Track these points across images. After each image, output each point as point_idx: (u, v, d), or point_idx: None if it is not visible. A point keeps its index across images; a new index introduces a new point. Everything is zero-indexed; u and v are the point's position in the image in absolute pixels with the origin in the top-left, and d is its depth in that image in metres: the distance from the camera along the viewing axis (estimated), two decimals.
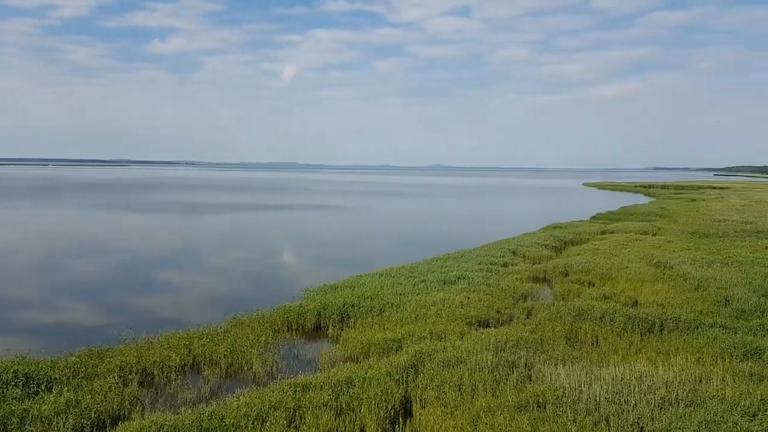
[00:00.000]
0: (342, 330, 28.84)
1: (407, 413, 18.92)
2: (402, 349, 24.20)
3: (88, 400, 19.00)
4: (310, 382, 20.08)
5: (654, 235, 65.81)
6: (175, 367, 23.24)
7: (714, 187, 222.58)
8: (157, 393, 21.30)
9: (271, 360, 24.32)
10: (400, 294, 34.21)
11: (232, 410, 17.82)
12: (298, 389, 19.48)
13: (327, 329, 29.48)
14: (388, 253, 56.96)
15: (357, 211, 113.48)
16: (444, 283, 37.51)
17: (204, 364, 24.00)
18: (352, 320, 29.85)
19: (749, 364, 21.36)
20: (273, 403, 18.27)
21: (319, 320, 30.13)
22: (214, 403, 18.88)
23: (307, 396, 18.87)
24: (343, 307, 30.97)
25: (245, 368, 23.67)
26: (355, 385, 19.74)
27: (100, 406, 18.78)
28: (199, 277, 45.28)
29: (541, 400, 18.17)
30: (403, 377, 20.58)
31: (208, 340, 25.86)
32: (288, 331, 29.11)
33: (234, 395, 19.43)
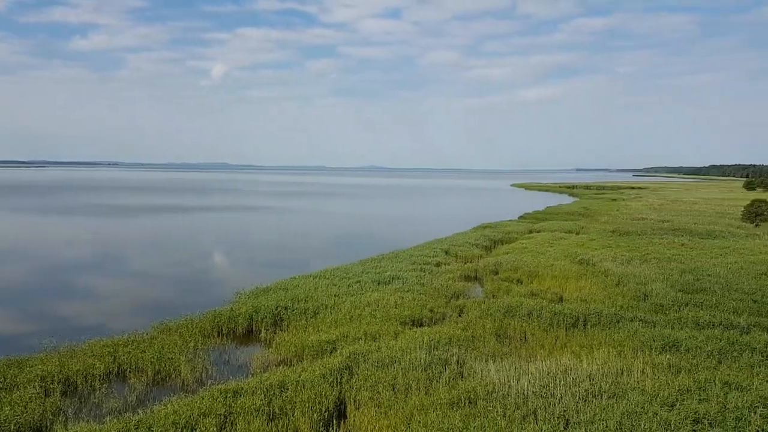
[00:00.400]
0: (275, 333, 28.46)
1: (341, 415, 18.87)
2: (336, 350, 24.16)
3: (7, 412, 18.00)
4: (242, 388, 19.70)
5: (577, 233, 68.46)
6: (100, 375, 22.37)
7: (633, 188, 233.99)
8: (80, 403, 20.44)
9: (200, 366, 23.70)
10: (335, 295, 34.10)
11: (159, 418, 17.25)
12: (228, 395, 19.07)
13: (259, 333, 29.01)
14: (322, 255, 56.66)
15: (290, 213, 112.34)
16: (378, 284, 37.67)
17: (130, 371, 23.15)
18: (286, 323, 29.51)
19: (667, 356, 22.52)
20: (203, 410, 17.80)
21: (251, 324, 29.61)
22: (141, 412, 18.28)
23: (239, 402, 18.50)
24: (276, 309, 30.57)
25: (173, 375, 22.98)
26: (288, 389, 19.51)
27: (20, 418, 17.85)
28: (124, 282, 43.57)
29: (472, 396, 18.54)
30: (337, 379, 20.54)
31: (134, 347, 24.94)
32: (218, 336, 28.46)
33: (162, 403, 18.82)
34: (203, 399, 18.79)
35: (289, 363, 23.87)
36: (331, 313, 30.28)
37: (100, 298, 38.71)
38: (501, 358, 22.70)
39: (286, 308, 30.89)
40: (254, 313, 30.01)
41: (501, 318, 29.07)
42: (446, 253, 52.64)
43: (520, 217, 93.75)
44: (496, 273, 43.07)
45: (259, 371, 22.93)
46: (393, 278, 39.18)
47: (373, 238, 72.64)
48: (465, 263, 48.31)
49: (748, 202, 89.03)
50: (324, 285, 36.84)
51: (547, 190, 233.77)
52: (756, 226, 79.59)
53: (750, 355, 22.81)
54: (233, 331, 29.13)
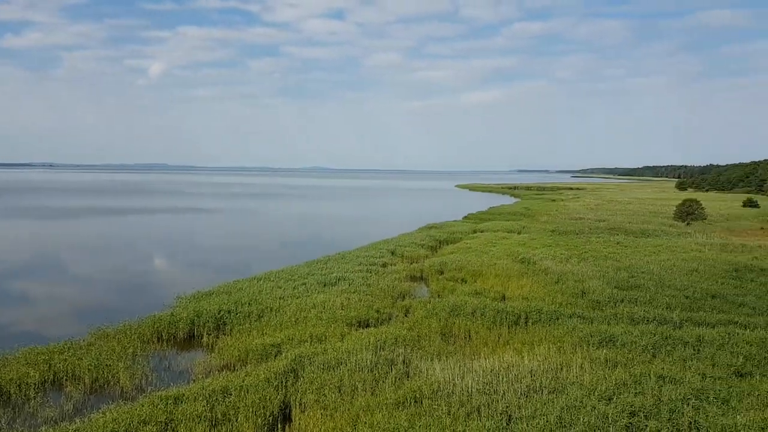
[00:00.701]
0: (218, 338, 27.91)
1: (286, 419, 18.69)
2: (281, 353, 23.90)
3: None
4: (183, 394, 19.24)
5: (519, 233, 70.07)
6: (35, 384, 21.45)
7: (571, 188, 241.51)
8: (14, 413, 19.58)
9: (140, 373, 23.02)
10: (280, 298, 33.72)
11: (97, 427, 16.68)
12: (169, 402, 18.59)
13: (201, 338, 28.39)
14: (266, 257, 55.94)
15: (233, 214, 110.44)
16: (324, 285, 37.50)
17: (66, 379, 22.28)
18: (229, 327, 28.98)
19: (604, 351, 23.31)
20: (143, 418, 17.30)
21: (192, 329, 28.95)
22: (78, 421, 17.65)
23: (180, 408, 18.05)
24: (219, 314, 29.98)
25: (112, 382, 22.25)
26: (231, 394, 19.17)
27: None
28: (60, 288, 41.83)
29: (417, 395, 18.70)
30: (282, 382, 20.32)
31: (70, 354, 24.00)
32: (158, 341, 27.71)
33: (100, 411, 18.19)
34: (143, 406, 18.26)
35: (232, 368, 23.48)
36: (275, 316, 29.93)
37: (34, 304, 37.04)
38: (446, 357, 22.99)
39: (229, 312, 30.34)
40: (196, 318, 29.35)
41: (446, 317, 29.43)
42: (392, 253, 52.91)
43: (465, 218, 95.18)
44: (442, 273, 43.58)
45: (201, 377, 22.45)
46: (339, 279, 39.09)
47: (319, 239, 72.27)
48: (411, 263, 48.69)
49: (680, 202, 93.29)
50: (268, 287, 36.39)
51: (490, 191, 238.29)
52: (687, 224, 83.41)
53: (683, 348, 23.88)
54: (174, 337, 28.42)
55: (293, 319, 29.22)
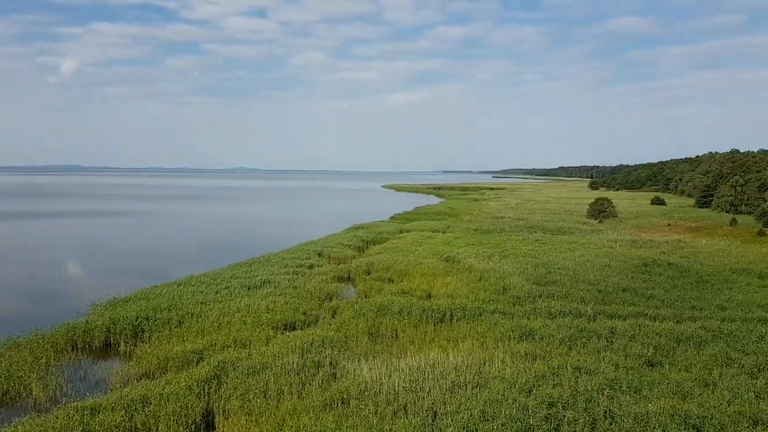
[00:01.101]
0: (136, 346, 26.85)
1: (210, 426, 18.24)
2: (204, 360, 23.28)
3: None
4: (100, 404, 18.39)
5: (444, 232, 71.43)
6: None
7: (493, 188, 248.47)
8: None
9: (53, 383, 21.83)
10: (201, 303, 32.82)
11: None
12: (86, 413, 17.71)
13: (118, 346, 27.24)
14: (188, 261, 54.30)
15: (150, 217, 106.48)
16: (249, 289, 36.81)
17: None
18: (148, 334, 27.94)
19: (524, 345, 24.14)
20: (57, 430, 16.45)
21: (108, 337, 27.72)
22: None
23: (97, 419, 17.25)
24: (137, 320, 28.85)
25: (24, 394, 21.03)
26: (151, 403, 18.48)
27: None
28: None
29: (345, 396, 18.69)
30: (204, 389, 19.80)
31: None
32: (73, 350, 26.36)
33: (11, 425, 17.20)
34: (57, 418, 17.33)
35: (151, 376, 22.66)
36: (197, 322, 29.12)
37: None
38: (373, 357, 23.10)
39: (147, 319, 29.25)
40: (112, 325, 28.12)
41: (373, 317, 29.59)
42: (319, 255, 52.65)
43: (391, 218, 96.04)
44: (369, 273, 43.77)
45: (119, 386, 21.51)
46: (264, 282, 38.49)
47: (244, 242, 70.87)
48: (338, 264, 48.61)
49: (593, 201, 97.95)
50: (189, 292, 35.34)
51: (416, 191, 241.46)
52: (599, 222, 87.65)
53: (597, 340, 25.08)
54: (89, 345, 27.12)
55: (216, 325, 28.52)
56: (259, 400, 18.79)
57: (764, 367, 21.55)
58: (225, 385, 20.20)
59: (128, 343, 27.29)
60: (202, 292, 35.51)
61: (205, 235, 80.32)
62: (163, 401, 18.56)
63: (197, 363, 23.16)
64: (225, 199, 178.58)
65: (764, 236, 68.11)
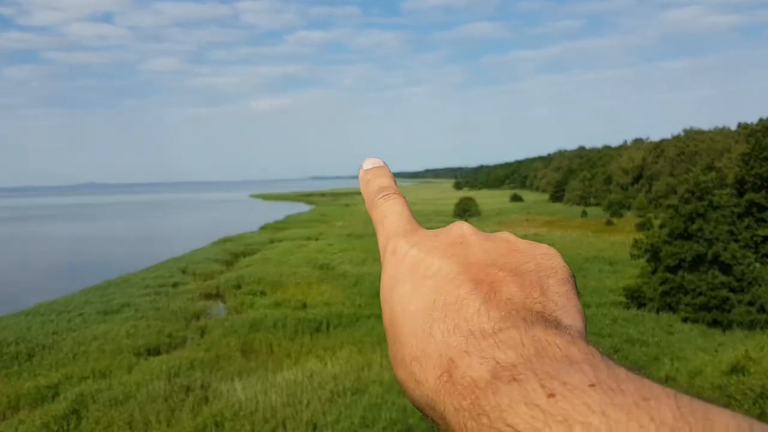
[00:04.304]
0: None
1: None
2: (60, 395, 21.24)
3: None
4: None
5: (317, 239, 71.10)
6: None
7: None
8: None
9: None
10: (53, 333, 29.89)
11: None
12: None
13: None
14: (34, 288, 49.21)
15: None
16: (106, 314, 34.06)
17: None
18: None
19: None
20: None
21: None
22: None
23: None
24: None
25: None
26: None
27: None
28: None
29: (218, 419, 17.77)
30: (63, 426, 18.15)
31: None
32: None
33: None
34: None
35: (2, 417, 20.29)
36: (49, 354, 26.49)
37: None
38: (248, 375, 22.23)
39: None
40: None
41: (246, 333, 28.52)
42: (184, 272, 50.04)
43: (261, 228, 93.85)
44: (239, 287, 42.25)
45: None
46: (123, 306, 35.82)
47: (98, 263, 65.62)
48: (205, 281, 46.47)
49: (458, 200, 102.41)
50: (38, 323, 32.06)
51: (285, 199, 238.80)
52: (465, 220, 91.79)
53: None
54: None
55: (70, 356, 26.09)
56: None
57: (620, 347, 23.44)
58: (85, 419, 18.66)
59: None
60: (53, 321, 32.41)
61: (54, 258, 73.51)
62: None
63: (53, 399, 21.12)
64: (75, 218, 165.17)
65: (612, 225, 74.94)
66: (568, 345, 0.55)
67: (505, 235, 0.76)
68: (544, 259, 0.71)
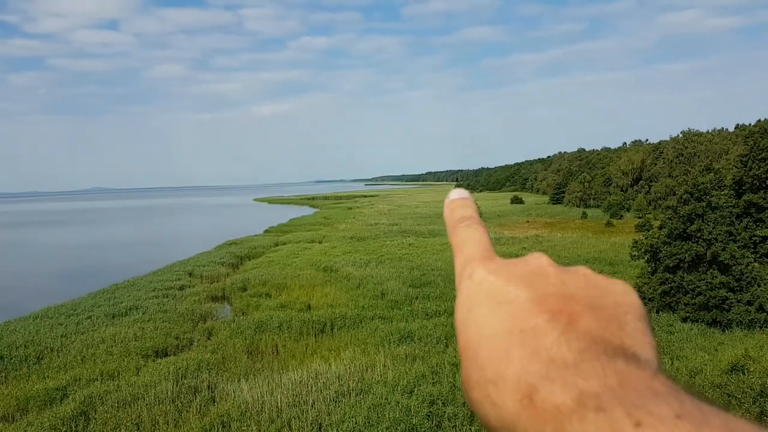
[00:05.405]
0: None
1: None
2: (68, 396, 21.59)
3: None
4: None
5: (320, 242, 71.42)
6: None
7: (365, 196, 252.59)
8: None
9: None
10: (62, 336, 30.30)
11: None
12: None
13: None
14: (43, 292, 49.72)
15: None
16: (114, 317, 34.48)
17: None
18: (3, 374, 25.38)
19: (404, 347, 24.76)
20: None
21: None
22: None
23: None
24: None
25: None
26: None
27: None
28: None
29: (225, 419, 18.11)
30: (71, 428, 18.44)
31: None
32: None
33: None
34: None
35: (11, 419, 20.66)
36: (58, 357, 26.91)
37: None
38: (254, 375, 22.58)
39: (1, 358, 26.64)
40: None
41: (252, 334, 28.90)
42: (190, 275, 50.47)
43: (266, 231, 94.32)
44: (245, 289, 42.65)
45: None
46: (131, 309, 36.25)
47: (105, 267, 66.17)
48: (211, 283, 46.89)
49: None
50: (47, 326, 32.51)
51: (289, 203, 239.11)
52: None
53: None
54: None
55: (79, 358, 26.49)
56: None
57: None
58: (93, 421, 18.94)
59: None
60: (61, 324, 32.84)
61: (62, 262, 74.10)
62: None
63: (61, 400, 21.47)
64: (82, 222, 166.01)
65: (611, 227, 75.16)
66: (651, 378, 0.57)
67: (583, 269, 0.76)
68: (621, 296, 0.70)
